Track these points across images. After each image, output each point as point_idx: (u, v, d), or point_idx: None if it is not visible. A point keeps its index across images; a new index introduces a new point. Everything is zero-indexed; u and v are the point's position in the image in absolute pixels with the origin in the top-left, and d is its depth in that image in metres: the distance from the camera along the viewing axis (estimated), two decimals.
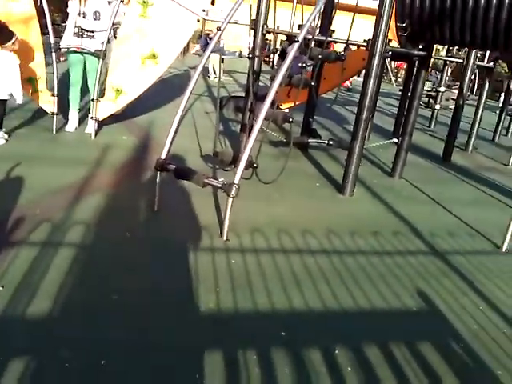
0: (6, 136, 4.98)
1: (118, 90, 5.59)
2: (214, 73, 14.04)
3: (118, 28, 5.92)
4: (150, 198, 3.75)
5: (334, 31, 10.97)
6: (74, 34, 5.49)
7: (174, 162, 3.78)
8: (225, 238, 3.37)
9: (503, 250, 3.91)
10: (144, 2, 5.55)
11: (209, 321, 2.48)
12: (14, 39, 4.81)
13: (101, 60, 5.44)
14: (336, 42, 5.85)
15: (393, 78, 19.54)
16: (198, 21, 5.70)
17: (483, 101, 7.96)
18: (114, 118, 5.99)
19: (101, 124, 5.74)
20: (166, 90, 8.75)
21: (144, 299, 2.58)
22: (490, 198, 5.44)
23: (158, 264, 2.97)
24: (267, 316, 2.59)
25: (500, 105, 10.02)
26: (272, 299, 2.71)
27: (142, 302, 2.55)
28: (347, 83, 14.28)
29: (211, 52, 4.01)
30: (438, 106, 9.81)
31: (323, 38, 4.97)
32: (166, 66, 5.79)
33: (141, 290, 2.66)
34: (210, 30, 15.66)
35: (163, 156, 3.68)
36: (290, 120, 3.89)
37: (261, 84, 6.25)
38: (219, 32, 4.04)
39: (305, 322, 2.58)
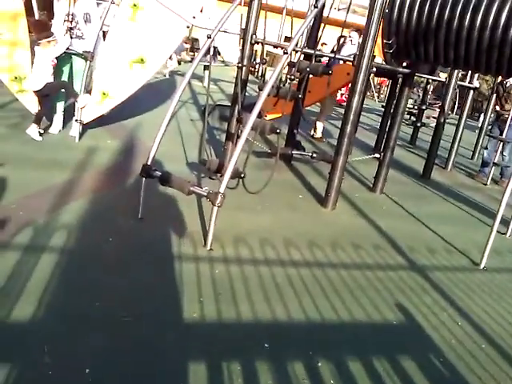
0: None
1: (104, 93, 5.56)
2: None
3: (107, 30, 5.91)
4: (134, 204, 3.72)
5: (325, 44, 11.17)
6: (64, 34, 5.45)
7: (159, 169, 3.78)
8: (209, 248, 3.36)
9: (481, 267, 3.99)
10: (134, 5, 5.55)
11: (192, 330, 2.47)
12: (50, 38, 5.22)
13: (88, 62, 5.41)
14: (323, 56, 5.93)
15: (375, 94, 19.81)
16: (188, 27, 5.72)
17: (464, 119, 8.13)
18: (99, 122, 5.95)
19: (85, 127, 5.69)
20: (152, 95, 8.72)
21: (125, 307, 2.55)
22: (468, 216, 5.55)
23: (140, 271, 2.95)
24: (251, 327, 2.59)
25: (479, 124, 10.23)
26: (255, 310, 2.72)
27: (124, 310, 2.52)
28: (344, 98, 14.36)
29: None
30: (419, 124, 9.97)
31: (311, 51, 5.03)
32: (154, 70, 5.79)
33: (122, 298, 2.64)
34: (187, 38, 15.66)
35: (149, 162, 3.66)
36: (278, 131, 3.92)
37: (247, 94, 6.29)
38: (209, 40, 4.05)
39: (288, 334, 2.60)
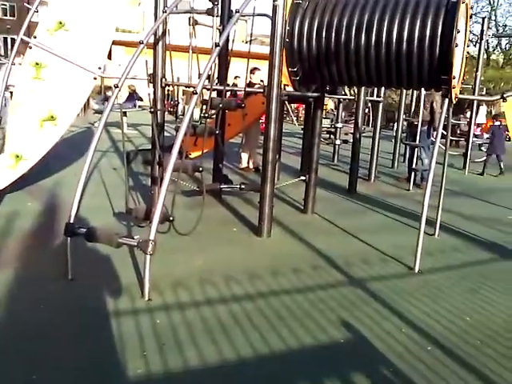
0: None
1: (17, 156, 5.33)
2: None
3: (12, 91, 5.73)
4: (62, 266, 3.56)
5: (239, 77, 11.39)
6: None
7: (84, 225, 3.65)
8: (147, 298, 3.26)
9: (416, 271, 4.14)
10: (37, 63, 5.43)
11: None
12: None
13: None
14: (232, 91, 6.04)
15: (294, 119, 20.42)
16: (95, 78, 5.66)
17: (378, 132, 8.54)
18: (17, 185, 5.68)
19: (2, 193, 5.42)
20: (69, 150, 8.47)
21: (65, 375, 2.41)
22: (397, 222, 5.78)
23: (77, 335, 2.81)
24: (199, 372, 2.52)
25: (394, 133, 10.79)
26: (202, 354, 2.65)
27: (64, 379, 2.38)
28: None
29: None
30: (338, 142, 10.35)
31: (221, 87, 5.13)
32: (66, 126, 5.64)
33: (61, 367, 2.49)
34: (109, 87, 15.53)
35: (71, 220, 3.54)
36: (200, 169, 3.93)
37: (168, 135, 6.27)
38: (117, 89, 4.03)
39: (238, 372, 2.55)
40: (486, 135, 11.65)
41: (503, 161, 10.25)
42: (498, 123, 10.46)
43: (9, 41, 38.52)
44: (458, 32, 4.22)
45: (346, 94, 10.98)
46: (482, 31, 10.43)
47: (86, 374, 2.45)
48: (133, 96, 14.99)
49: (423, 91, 7.82)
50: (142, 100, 14.82)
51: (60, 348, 2.67)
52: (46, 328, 2.87)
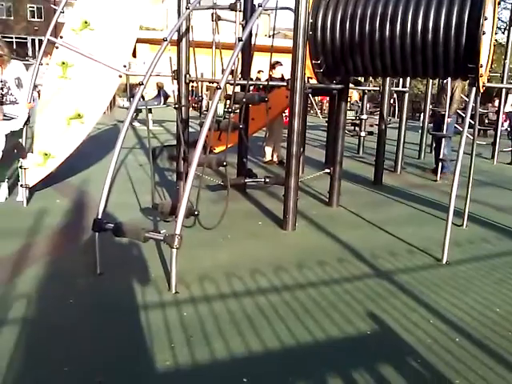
0: None
1: (46, 154, 5.46)
2: (138, 122, 14.19)
3: (40, 90, 5.86)
4: (91, 261, 3.64)
5: (262, 71, 11.40)
6: None
7: (111, 220, 3.72)
8: (174, 291, 3.31)
9: (444, 262, 4.08)
10: (63, 63, 5.54)
11: (167, 379, 2.41)
12: None
13: (25, 125, 5.33)
14: (256, 85, 6.05)
15: (318, 111, 20.29)
16: (120, 76, 5.73)
17: (404, 123, 8.42)
18: (46, 183, 5.82)
19: (32, 190, 5.56)
20: (96, 147, 8.62)
21: (96, 367, 2.47)
22: (424, 214, 5.70)
23: (106, 329, 2.87)
24: (227, 364, 2.55)
25: (421, 124, 10.63)
26: (229, 346, 2.68)
27: (95, 371, 2.44)
28: None
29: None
30: (363, 133, 10.26)
31: (245, 81, 5.14)
32: (93, 124, 5.74)
33: (92, 358, 2.55)
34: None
35: (99, 215, 3.61)
36: (224, 163, 3.95)
37: (192, 130, 6.32)
38: (142, 86, 4.08)
39: (265, 364, 2.56)
40: (505, 124, 11.40)
41: None
42: None
43: (36, 42, 39.30)
44: (486, 19, 4.13)
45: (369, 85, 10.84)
46: (511, 18, 10.16)
47: (116, 366, 2.50)
48: (160, 93, 15.22)
49: (449, 80, 7.69)
50: (168, 97, 15.02)
51: (89, 342, 2.73)
52: (75, 322, 2.94)
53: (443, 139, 7.85)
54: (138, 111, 13.25)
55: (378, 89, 8.04)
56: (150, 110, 12.37)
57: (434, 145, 8.88)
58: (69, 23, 5.63)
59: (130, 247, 4.04)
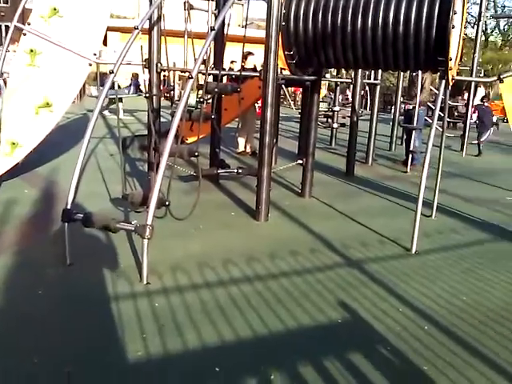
0: None
1: (13, 143, 5.33)
2: (109, 112, 13.95)
3: (7, 78, 5.69)
4: (60, 252, 3.57)
5: (235, 61, 11.34)
6: None
7: (81, 211, 3.66)
8: (145, 282, 3.28)
9: (413, 252, 4.16)
10: (31, 50, 5.39)
11: (139, 369, 2.39)
12: None
13: None
14: (229, 75, 6.01)
15: (291, 103, 20.32)
16: (90, 65, 5.62)
17: (375, 115, 8.51)
18: (13, 173, 5.68)
19: None
20: (65, 137, 8.43)
21: (65, 359, 2.43)
22: (394, 205, 5.79)
23: (76, 319, 2.82)
24: (199, 353, 2.54)
25: (392, 116, 10.77)
26: (202, 336, 2.68)
27: (65, 362, 2.40)
28: None
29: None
30: (335, 125, 10.33)
31: (217, 71, 5.10)
32: (62, 112, 5.62)
33: (61, 349, 2.51)
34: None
35: (69, 205, 3.54)
36: (196, 154, 3.92)
37: (164, 120, 6.25)
38: (112, 75, 4.01)
39: (237, 353, 2.57)
40: (474, 116, 11.72)
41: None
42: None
43: (2, 28, 38.14)
44: (455, 13, 4.19)
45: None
46: (480, 12, 10.35)
47: (86, 357, 2.47)
48: (131, 83, 15.07)
49: (419, 73, 7.80)
50: (139, 86, 14.85)
51: (59, 332, 2.69)
52: (44, 313, 2.89)
53: (413, 131, 7.98)
54: (110, 100, 13.09)
55: (349, 81, 8.09)
56: (120, 100, 12.19)
57: (405, 137, 9.01)
58: (37, 10, 5.48)
59: (100, 238, 3.98)
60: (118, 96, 11.61)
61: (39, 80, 5.39)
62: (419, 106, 7.96)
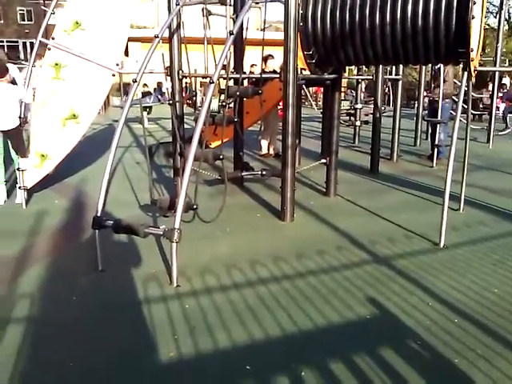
0: None
1: (42, 156, 5.49)
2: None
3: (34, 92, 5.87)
4: (92, 259, 3.68)
5: (255, 65, 11.42)
6: None
7: (111, 218, 3.75)
8: (175, 285, 3.35)
9: (441, 246, 4.13)
10: (56, 64, 5.56)
11: (172, 370, 2.45)
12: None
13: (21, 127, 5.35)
14: (250, 79, 6.06)
15: (313, 103, 20.27)
16: (114, 75, 5.75)
17: (398, 110, 8.44)
18: (44, 184, 5.85)
19: (30, 192, 5.59)
20: (92, 147, 8.64)
21: (99, 362, 2.51)
22: (421, 200, 5.74)
23: (109, 324, 2.91)
24: (230, 353, 2.59)
25: (416, 111, 10.65)
26: (232, 336, 2.72)
27: (105, 367, 2.47)
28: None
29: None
30: (358, 123, 10.28)
31: (238, 75, 5.15)
32: (88, 123, 5.77)
33: (95, 355, 2.59)
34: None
35: (99, 213, 3.64)
36: (221, 157, 3.98)
37: (188, 127, 6.34)
38: (135, 83, 4.10)
39: (267, 351, 2.61)
40: (501, 106, 11.44)
41: None
42: None
43: (28, 45, 39.12)
44: (475, 3, 4.15)
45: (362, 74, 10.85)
46: (502, 1, 10.17)
47: (120, 360, 2.54)
48: (157, 91, 15.39)
49: (441, 67, 7.71)
50: (163, 94, 15.12)
51: (94, 337, 2.77)
52: (80, 319, 2.97)
53: (438, 125, 7.88)
54: (148, 108, 13.50)
55: (371, 78, 8.05)
56: (145, 108, 12.42)
57: (430, 131, 8.90)
58: (60, 24, 5.65)
59: (129, 243, 4.08)
60: (145, 105, 11.85)
61: (65, 92, 5.55)
62: (443, 99, 7.86)
